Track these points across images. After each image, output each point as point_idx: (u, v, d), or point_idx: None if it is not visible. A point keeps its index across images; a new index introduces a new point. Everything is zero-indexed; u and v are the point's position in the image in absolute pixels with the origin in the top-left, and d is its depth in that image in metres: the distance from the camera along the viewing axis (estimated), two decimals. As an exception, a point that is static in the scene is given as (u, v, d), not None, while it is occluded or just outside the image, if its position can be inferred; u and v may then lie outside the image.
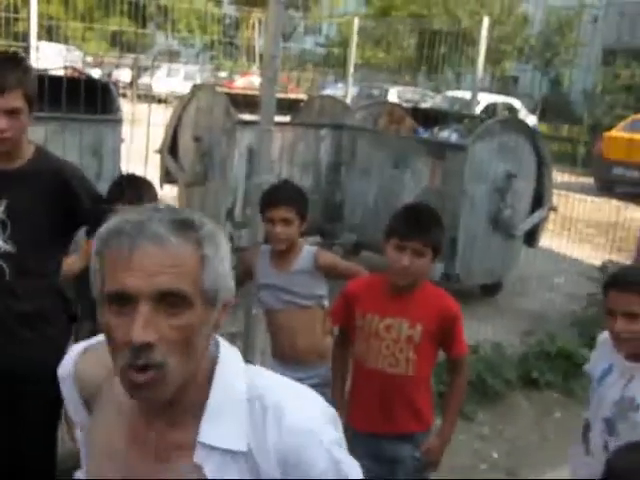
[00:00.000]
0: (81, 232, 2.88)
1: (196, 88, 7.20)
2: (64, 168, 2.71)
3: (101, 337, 1.28)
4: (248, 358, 3.85)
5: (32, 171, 2.58)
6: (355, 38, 9.06)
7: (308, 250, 3.15)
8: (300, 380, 3.02)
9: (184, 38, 19.96)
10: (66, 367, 1.36)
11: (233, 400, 1.19)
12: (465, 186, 6.24)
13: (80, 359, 1.34)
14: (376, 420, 2.68)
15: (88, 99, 5.30)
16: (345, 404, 2.79)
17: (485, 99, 16.95)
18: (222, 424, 1.18)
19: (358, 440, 2.66)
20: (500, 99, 19.79)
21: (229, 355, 1.25)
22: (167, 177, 7.45)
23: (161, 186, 7.25)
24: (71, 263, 2.88)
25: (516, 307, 6.94)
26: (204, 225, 1.17)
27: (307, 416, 1.21)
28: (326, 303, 3.22)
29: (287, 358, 3.15)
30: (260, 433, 1.17)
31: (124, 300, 1.11)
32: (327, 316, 3.14)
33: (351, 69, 9.07)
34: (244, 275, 3.32)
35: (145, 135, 5.66)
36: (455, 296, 2.83)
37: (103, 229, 1.16)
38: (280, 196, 3.09)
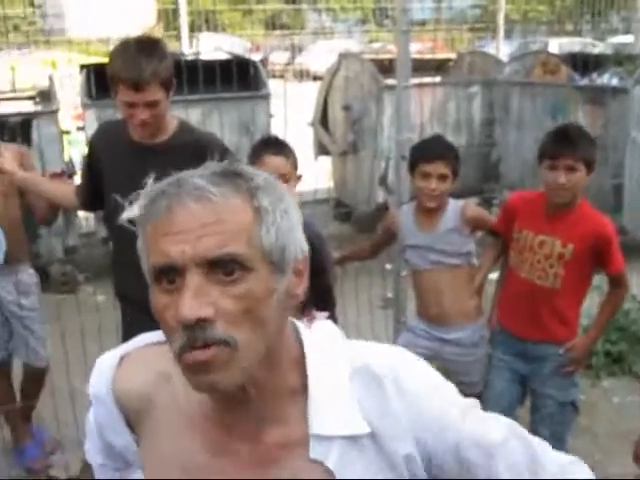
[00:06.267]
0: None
1: (342, 57, 7.21)
2: (206, 139, 2.80)
3: (137, 339, 1.15)
4: (400, 320, 3.84)
5: (176, 144, 2.69)
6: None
7: (454, 205, 3.02)
8: (445, 340, 3.04)
9: (336, 14, 20.09)
10: (101, 384, 1.11)
11: (337, 377, 1.01)
12: (630, 131, 5.85)
13: (118, 371, 1.11)
14: (523, 324, 2.89)
15: (241, 79, 5.52)
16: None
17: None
18: (333, 408, 0.99)
19: (505, 338, 2.98)
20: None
21: (320, 331, 1.07)
22: (321, 149, 7.56)
23: (316, 158, 7.36)
24: None
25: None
26: (257, 176, 0.96)
27: (425, 374, 1.05)
28: (474, 261, 3.10)
29: (433, 318, 3.08)
30: (381, 404, 1.00)
31: (170, 273, 0.91)
32: (475, 274, 3.08)
33: (501, 23, 8.74)
34: (384, 235, 3.32)
35: (300, 112, 5.77)
36: (623, 251, 2.82)
37: (142, 195, 0.97)
38: (437, 150, 2.96)
